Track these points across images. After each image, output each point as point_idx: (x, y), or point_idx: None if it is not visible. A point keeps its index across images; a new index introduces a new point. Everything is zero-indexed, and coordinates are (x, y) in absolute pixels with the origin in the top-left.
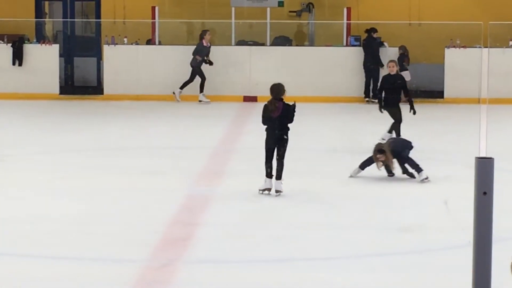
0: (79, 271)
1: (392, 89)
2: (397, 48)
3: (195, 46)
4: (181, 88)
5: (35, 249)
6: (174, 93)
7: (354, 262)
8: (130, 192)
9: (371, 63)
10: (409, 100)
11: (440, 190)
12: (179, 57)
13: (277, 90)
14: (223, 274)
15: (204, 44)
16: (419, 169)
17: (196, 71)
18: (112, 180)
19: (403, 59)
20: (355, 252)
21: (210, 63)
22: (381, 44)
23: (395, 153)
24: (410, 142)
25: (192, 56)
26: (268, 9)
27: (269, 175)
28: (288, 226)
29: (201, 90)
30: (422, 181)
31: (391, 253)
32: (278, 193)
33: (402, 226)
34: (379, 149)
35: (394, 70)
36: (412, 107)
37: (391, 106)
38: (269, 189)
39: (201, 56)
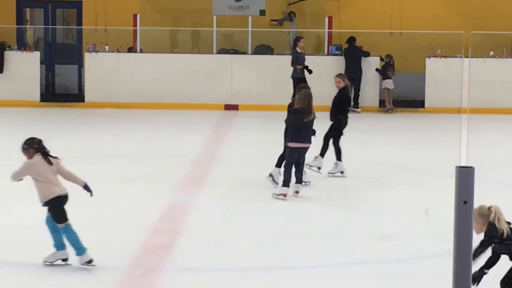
0: (60, 279)
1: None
2: (378, 57)
3: (180, 54)
4: None
5: (14, 256)
6: None
7: (335, 270)
8: (111, 199)
9: (353, 72)
10: (334, 120)
11: (420, 199)
12: (161, 65)
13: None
14: (204, 282)
15: (299, 51)
16: (298, 181)
17: (300, 82)
18: (93, 188)
19: (387, 68)
20: (336, 260)
21: (310, 71)
22: (363, 52)
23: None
24: (311, 140)
25: (292, 69)
26: (250, 17)
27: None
28: (269, 234)
29: None
30: (276, 195)
31: (372, 261)
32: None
33: (383, 235)
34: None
35: (339, 85)
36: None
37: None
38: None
39: (301, 64)
